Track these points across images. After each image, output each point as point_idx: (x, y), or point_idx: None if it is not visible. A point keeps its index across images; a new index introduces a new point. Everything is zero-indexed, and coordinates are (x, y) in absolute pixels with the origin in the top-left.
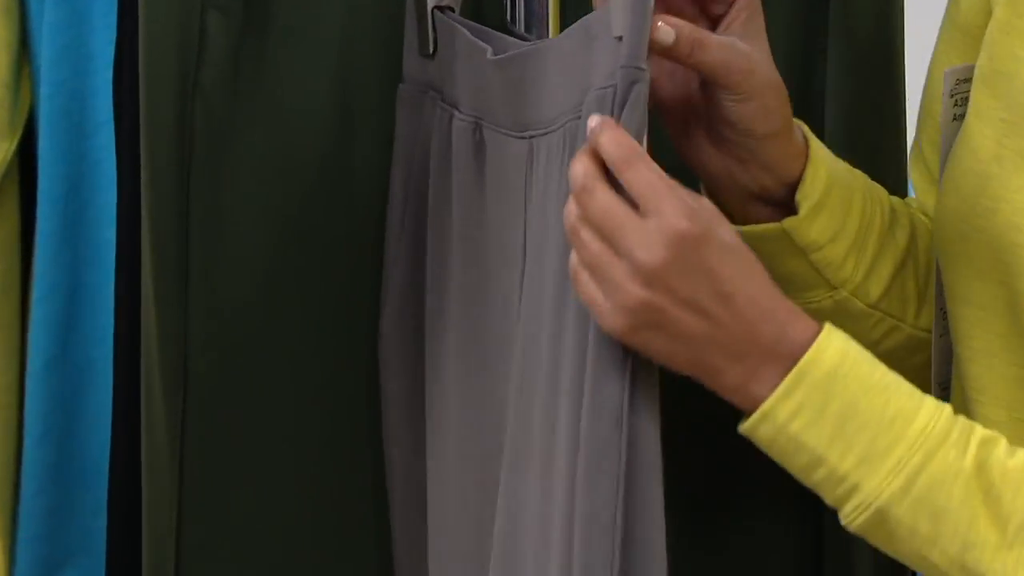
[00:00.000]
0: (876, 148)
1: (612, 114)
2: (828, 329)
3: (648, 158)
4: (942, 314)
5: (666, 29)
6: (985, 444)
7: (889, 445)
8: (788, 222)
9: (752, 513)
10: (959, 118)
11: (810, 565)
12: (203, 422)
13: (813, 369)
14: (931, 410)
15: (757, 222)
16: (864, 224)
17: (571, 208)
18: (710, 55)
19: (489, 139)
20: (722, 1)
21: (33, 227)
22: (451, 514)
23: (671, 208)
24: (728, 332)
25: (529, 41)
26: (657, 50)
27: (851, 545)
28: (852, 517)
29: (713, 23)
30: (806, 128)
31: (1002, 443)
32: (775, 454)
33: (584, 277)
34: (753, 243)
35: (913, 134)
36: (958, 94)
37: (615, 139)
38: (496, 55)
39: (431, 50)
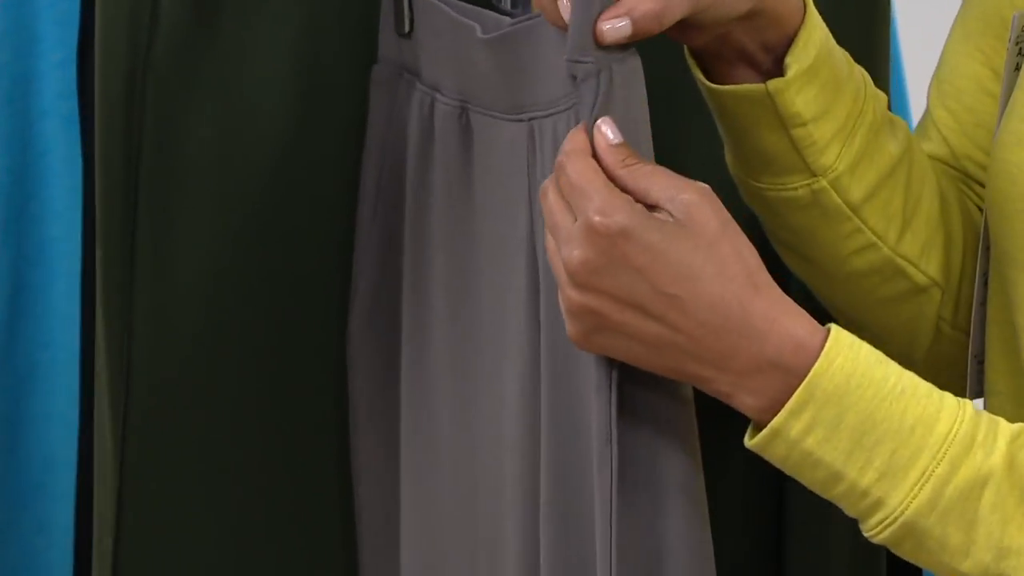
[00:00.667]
0: None
1: (593, 101)
2: (835, 334)
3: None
4: (984, 279)
5: (614, 26)
6: (1016, 439)
7: (912, 456)
8: (773, 83)
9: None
10: (1020, 68)
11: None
12: (149, 431)
13: (824, 381)
14: (952, 411)
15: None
16: (855, 112)
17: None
18: (676, 10)
19: (477, 124)
20: None
21: None
22: (438, 539)
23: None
24: (691, 338)
25: (516, 17)
26: (626, 41)
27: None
28: (877, 531)
29: None
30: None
31: None
32: (789, 469)
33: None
34: (733, 107)
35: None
36: (1023, 42)
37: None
38: (485, 33)
39: (407, 29)
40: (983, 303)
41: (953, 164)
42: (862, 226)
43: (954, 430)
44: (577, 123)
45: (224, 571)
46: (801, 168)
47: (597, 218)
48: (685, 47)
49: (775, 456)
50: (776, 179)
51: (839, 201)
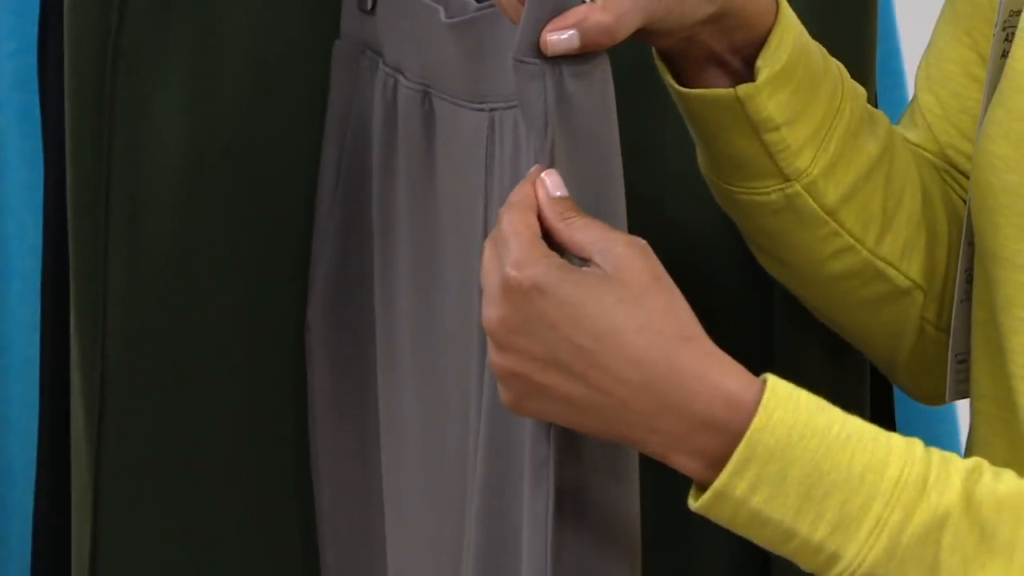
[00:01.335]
0: None
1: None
2: (771, 385)
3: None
4: (966, 276)
5: (560, 38)
6: (970, 475)
7: (863, 505)
8: (743, 89)
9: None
10: (1007, 55)
11: None
12: (124, 428)
13: (765, 436)
14: (901, 453)
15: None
16: (831, 113)
17: None
18: (630, 22)
19: (440, 109)
20: None
21: None
22: (410, 531)
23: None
24: (616, 398)
25: (482, 2)
26: (577, 52)
27: None
28: None
29: None
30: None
31: (986, 469)
32: (738, 529)
33: None
34: (702, 111)
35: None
36: (1010, 27)
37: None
38: (450, 17)
39: (369, 5)
40: (964, 300)
41: (937, 153)
42: (839, 229)
43: (905, 473)
44: (524, 125)
45: (188, 566)
46: (774, 173)
47: (512, 272)
48: (653, 48)
49: (722, 517)
50: (748, 183)
51: (814, 205)
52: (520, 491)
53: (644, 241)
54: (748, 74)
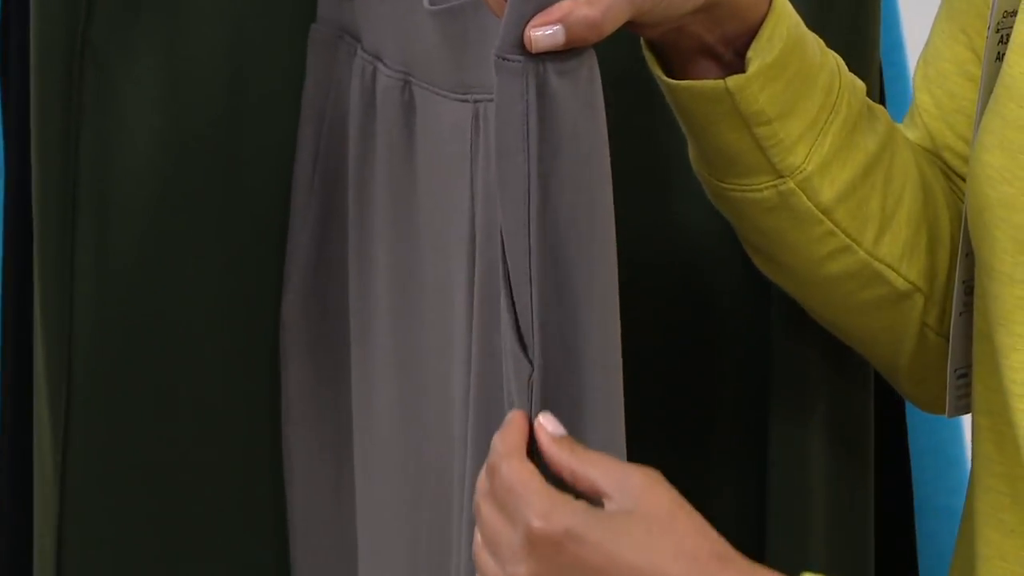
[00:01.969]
0: None
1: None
2: None
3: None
4: (964, 288)
5: (545, 33)
6: None
7: None
8: (733, 80)
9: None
10: (1002, 58)
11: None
12: (90, 426)
13: None
14: None
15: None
16: (827, 107)
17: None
18: (618, 15)
19: (420, 99)
20: None
21: None
22: (384, 535)
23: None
24: None
25: None
26: (562, 48)
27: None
28: None
29: None
30: None
31: None
32: None
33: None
34: (691, 104)
35: None
36: (1004, 29)
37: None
38: (434, 3)
39: None
40: (963, 313)
41: (935, 155)
42: (835, 229)
43: None
44: (501, 122)
45: (158, 567)
46: (766, 168)
47: (538, 523)
48: (641, 38)
49: None
50: (740, 180)
51: (808, 204)
52: None
53: (655, 471)
54: (740, 66)
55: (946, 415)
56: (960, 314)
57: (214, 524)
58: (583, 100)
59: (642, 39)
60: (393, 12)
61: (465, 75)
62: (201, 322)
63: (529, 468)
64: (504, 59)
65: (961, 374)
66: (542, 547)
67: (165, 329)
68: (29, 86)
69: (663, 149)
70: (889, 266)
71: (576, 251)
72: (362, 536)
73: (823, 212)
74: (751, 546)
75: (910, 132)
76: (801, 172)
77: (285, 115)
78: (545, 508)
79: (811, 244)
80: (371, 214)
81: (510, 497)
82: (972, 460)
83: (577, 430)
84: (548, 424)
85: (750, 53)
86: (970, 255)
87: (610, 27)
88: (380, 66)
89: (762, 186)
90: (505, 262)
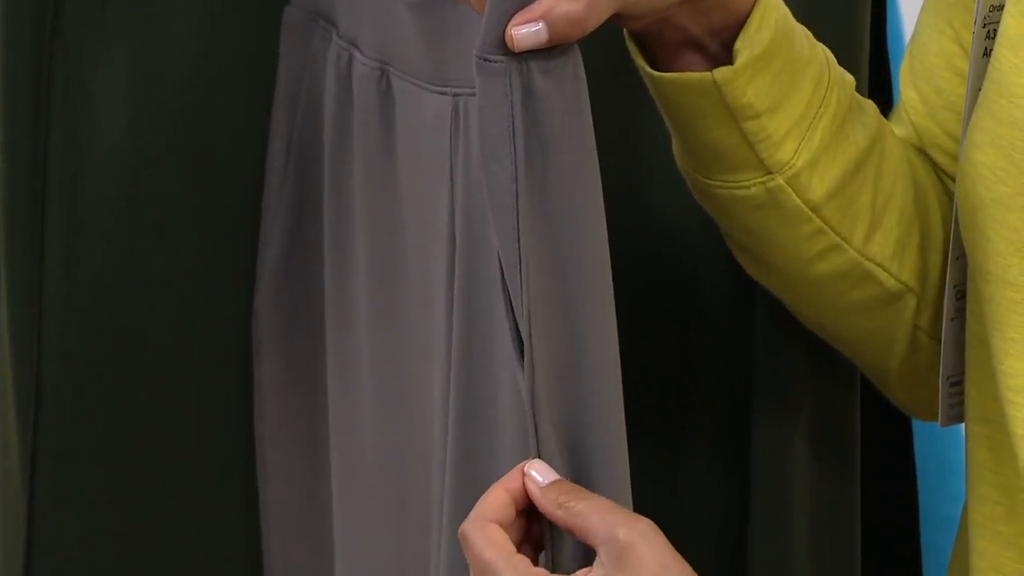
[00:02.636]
0: None
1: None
2: None
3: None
4: (956, 292)
5: (528, 31)
6: None
7: None
8: (720, 72)
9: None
10: (990, 53)
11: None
12: (59, 424)
13: None
14: None
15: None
16: (816, 102)
17: None
18: (602, 9)
19: (399, 90)
20: None
21: None
22: (366, 534)
23: None
24: None
25: None
26: (545, 46)
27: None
28: None
29: None
30: None
31: None
32: None
33: None
34: (677, 97)
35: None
36: (991, 23)
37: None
38: None
39: None
40: (955, 318)
41: (922, 151)
42: (824, 227)
43: None
44: (486, 125)
45: (128, 564)
46: (754, 164)
47: None
48: (624, 30)
49: None
50: (727, 176)
51: (797, 201)
52: None
53: (648, 522)
54: (727, 58)
55: (940, 425)
56: (951, 319)
57: (187, 526)
58: (569, 99)
59: (625, 31)
60: (370, 0)
61: (444, 67)
62: (173, 316)
63: (497, 540)
64: (486, 59)
65: (954, 382)
66: None
67: (137, 324)
68: None
69: (645, 145)
70: (879, 265)
71: (569, 254)
72: (339, 535)
73: (812, 209)
74: (734, 548)
75: (896, 129)
76: (790, 168)
77: (258, 102)
78: None
79: (800, 243)
80: (348, 204)
81: (485, 572)
82: (967, 469)
83: (577, 438)
84: (538, 472)
85: (738, 44)
86: (961, 258)
87: (594, 22)
88: (356, 53)
89: (749, 183)
90: (501, 271)
